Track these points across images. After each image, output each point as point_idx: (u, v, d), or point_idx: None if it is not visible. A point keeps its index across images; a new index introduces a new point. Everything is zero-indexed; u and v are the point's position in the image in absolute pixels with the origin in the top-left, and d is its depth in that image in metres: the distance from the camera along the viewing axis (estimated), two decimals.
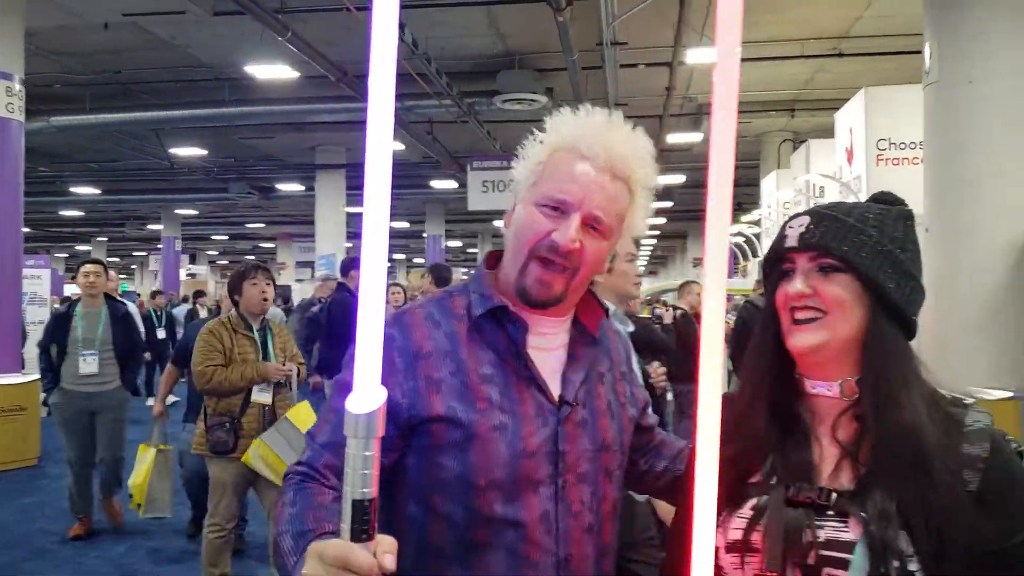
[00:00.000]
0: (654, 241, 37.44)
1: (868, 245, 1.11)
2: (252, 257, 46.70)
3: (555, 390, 1.32)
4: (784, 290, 1.14)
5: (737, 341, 6.03)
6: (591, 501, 1.32)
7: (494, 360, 1.30)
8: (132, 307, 9.01)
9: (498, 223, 29.96)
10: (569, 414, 1.31)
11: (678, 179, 19.55)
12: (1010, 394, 5.22)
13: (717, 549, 1.13)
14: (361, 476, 0.80)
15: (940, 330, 5.76)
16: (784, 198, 13.01)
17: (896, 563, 0.98)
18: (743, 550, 1.10)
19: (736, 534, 1.12)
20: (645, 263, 48.81)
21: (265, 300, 4.44)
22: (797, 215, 1.18)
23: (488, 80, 11.81)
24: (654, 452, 1.59)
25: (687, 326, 7.86)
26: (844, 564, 1.02)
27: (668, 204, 23.73)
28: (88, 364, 5.64)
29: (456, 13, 9.71)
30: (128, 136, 15.91)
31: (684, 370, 8.00)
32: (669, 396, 7.71)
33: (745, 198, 21.65)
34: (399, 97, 11.76)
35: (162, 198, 23.26)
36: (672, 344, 7.08)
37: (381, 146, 0.71)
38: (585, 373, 1.36)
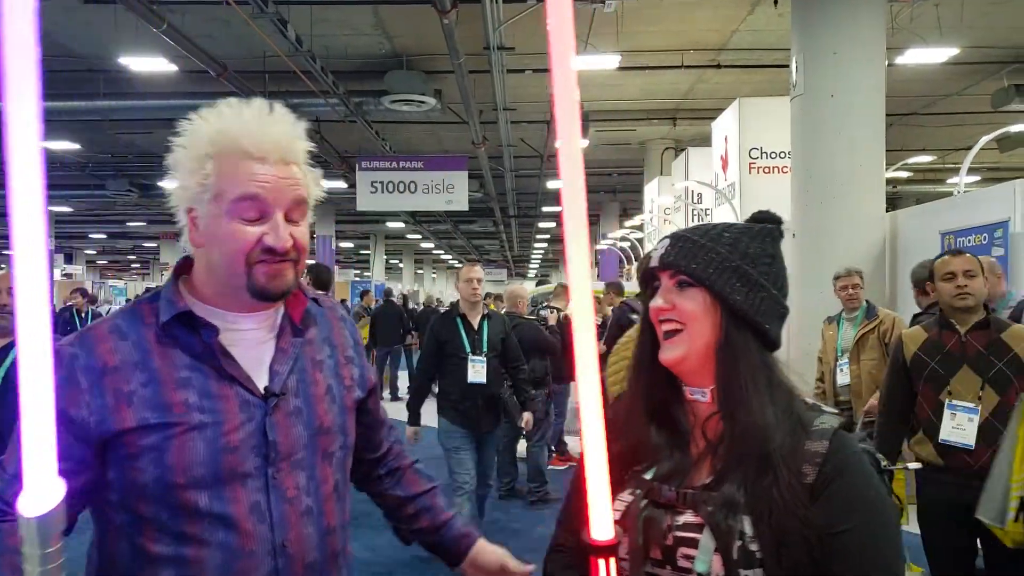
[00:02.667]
0: (544, 245, 37.86)
1: (716, 262, 1.23)
2: (133, 257, 44.79)
3: (262, 383, 1.35)
4: (651, 305, 1.28)
5: (613, 340, 6.16)
6: (308, 485, 1.37)
7: (190, 363, 1.31)
8: None
9: (392, 224, 29.36)
10: (278, 404, 1.35)
11: None
12: None
13: None
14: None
15: (806, 331, 6.07)
16: (665, 204, 13.40)
17: (739, 543, 1.11)
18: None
19: (615, 515, 1.22)
20: (536, 267, 49.32)
21: None
22: (663, 238, 1.32)
23: (376, 80, 11.72)
24: (393, 457, 1.70)
25: (568, 327, 7.97)
26: (695, 543, 1.15)
27: (558, 209, 24.05)
28: None
29: (341, 11, 9.60)
30: None
31: (565, 370, 8.13)
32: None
33: (630, 204, 22.19)
34: (282, 95, 11.54)
35: None
36: (558, 346, 7.20)
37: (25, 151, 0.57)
38: (294, 362, 1.40)
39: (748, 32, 10.38)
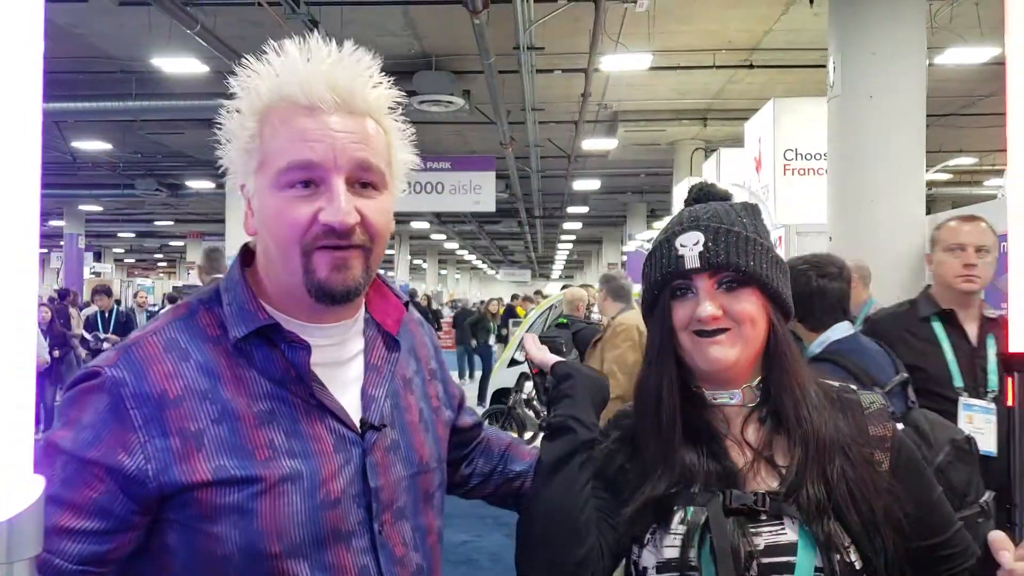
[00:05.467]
0: (570, 246, 37.74)
1: (762, 254, 1.11)
2: (160, 256, 45.20)
3: (354, 412, 1.08)
4: (687, 312, 1.12)
5: None
6: (414, 538, 1.11)
7: (270, 391, 1.02)
8: None
9: (417, 225, 29.36)
10: (376, 440, 1.07)
11: (593, 185, 19.76)
12: None
13: (645, 569, 1.11)
14: None
15: None
16: None
17: (838, 556, 1.02)
18: (681, 569, 1.07)
19: (671, 552, 1.09)
20: (561, 268, 49.20)
21: None
22: (682, 230, 1.14)
23: (405, 81, 11.70)
24: (478, 452, 1.39)
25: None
26: (789, 567, 1.03)
27: (584, 210, 23.97)
28: None
29: (371, 12, 9.59)
30: None
31: None
32: None
33: (658, 205, 22.04)
34: None
35: (64, 193, 22.29)
36: None
37: None
38: (388, 384, 1.13)
39: (782, 31, 10.23)
